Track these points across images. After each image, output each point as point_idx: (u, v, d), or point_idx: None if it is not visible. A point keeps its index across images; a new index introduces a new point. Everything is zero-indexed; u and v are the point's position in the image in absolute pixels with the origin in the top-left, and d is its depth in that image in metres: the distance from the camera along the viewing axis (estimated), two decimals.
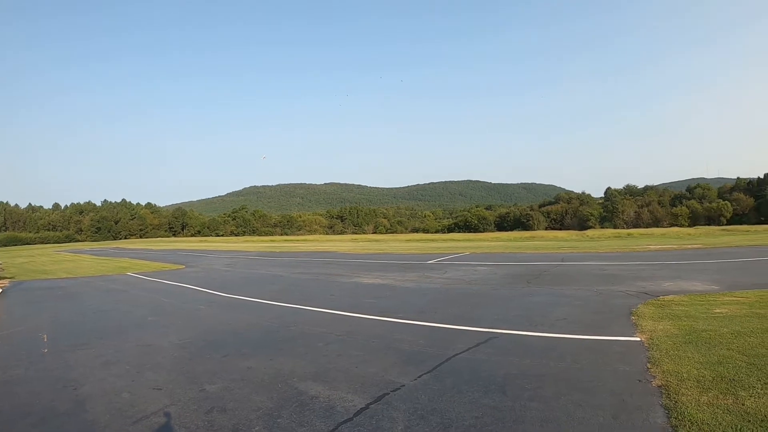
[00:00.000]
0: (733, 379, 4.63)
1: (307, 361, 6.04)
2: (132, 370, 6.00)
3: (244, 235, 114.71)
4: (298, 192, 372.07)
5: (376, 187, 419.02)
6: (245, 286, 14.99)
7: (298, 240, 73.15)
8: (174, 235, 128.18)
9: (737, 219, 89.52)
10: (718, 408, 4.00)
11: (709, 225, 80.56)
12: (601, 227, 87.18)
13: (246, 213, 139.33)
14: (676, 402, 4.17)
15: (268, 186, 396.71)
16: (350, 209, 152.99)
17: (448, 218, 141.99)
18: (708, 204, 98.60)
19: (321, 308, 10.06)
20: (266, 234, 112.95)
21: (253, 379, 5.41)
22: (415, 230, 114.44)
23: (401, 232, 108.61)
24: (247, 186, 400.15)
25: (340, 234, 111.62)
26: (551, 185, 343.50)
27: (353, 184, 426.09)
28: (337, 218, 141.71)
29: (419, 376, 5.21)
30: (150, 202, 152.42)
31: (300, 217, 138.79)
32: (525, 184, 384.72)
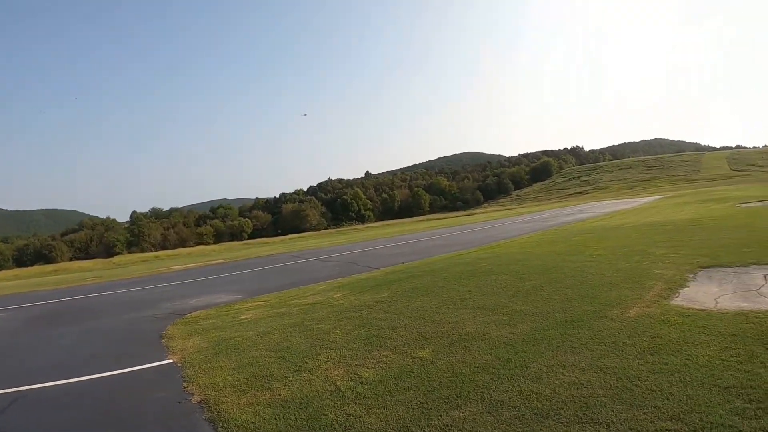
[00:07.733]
0: (266, 376, 5.33)
1: None
2: None
3: None
4: None
5: None
6: None
7: None
8: None
9: (258, 233, 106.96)
10: (258, 405, 4.51)
11: (232, 241, 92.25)
12: (129, 252, 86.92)
13: None
14: (218, 412, 4.44)
15: None
16: None
17: None
18: (231, 222, 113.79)
19: None
20: None
21: None
22: None
23: None
24: None
25: None
26: (74, 211, 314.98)
27: None
28: None
29: None
30: None
31: None
32: (46, 210, 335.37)
